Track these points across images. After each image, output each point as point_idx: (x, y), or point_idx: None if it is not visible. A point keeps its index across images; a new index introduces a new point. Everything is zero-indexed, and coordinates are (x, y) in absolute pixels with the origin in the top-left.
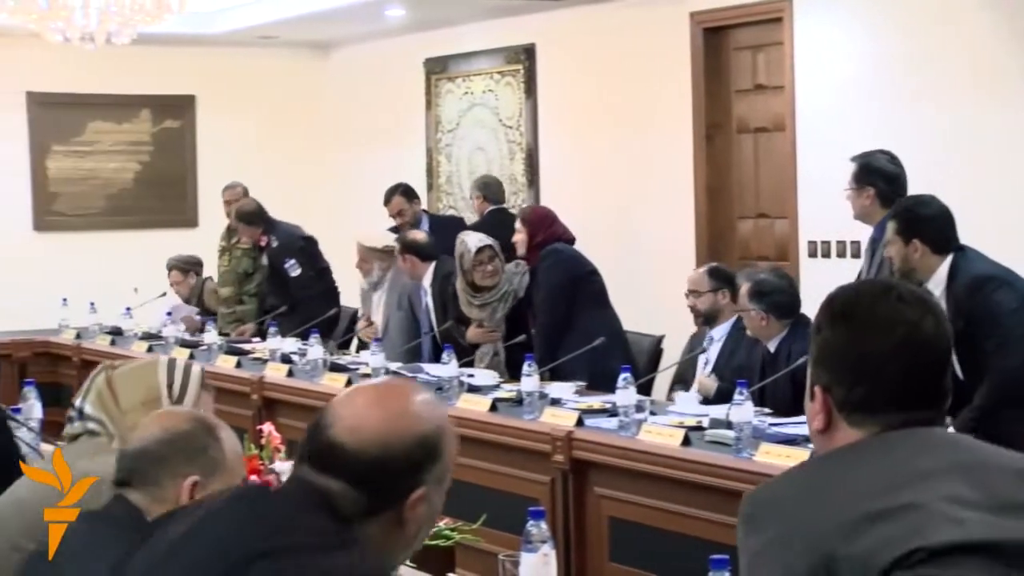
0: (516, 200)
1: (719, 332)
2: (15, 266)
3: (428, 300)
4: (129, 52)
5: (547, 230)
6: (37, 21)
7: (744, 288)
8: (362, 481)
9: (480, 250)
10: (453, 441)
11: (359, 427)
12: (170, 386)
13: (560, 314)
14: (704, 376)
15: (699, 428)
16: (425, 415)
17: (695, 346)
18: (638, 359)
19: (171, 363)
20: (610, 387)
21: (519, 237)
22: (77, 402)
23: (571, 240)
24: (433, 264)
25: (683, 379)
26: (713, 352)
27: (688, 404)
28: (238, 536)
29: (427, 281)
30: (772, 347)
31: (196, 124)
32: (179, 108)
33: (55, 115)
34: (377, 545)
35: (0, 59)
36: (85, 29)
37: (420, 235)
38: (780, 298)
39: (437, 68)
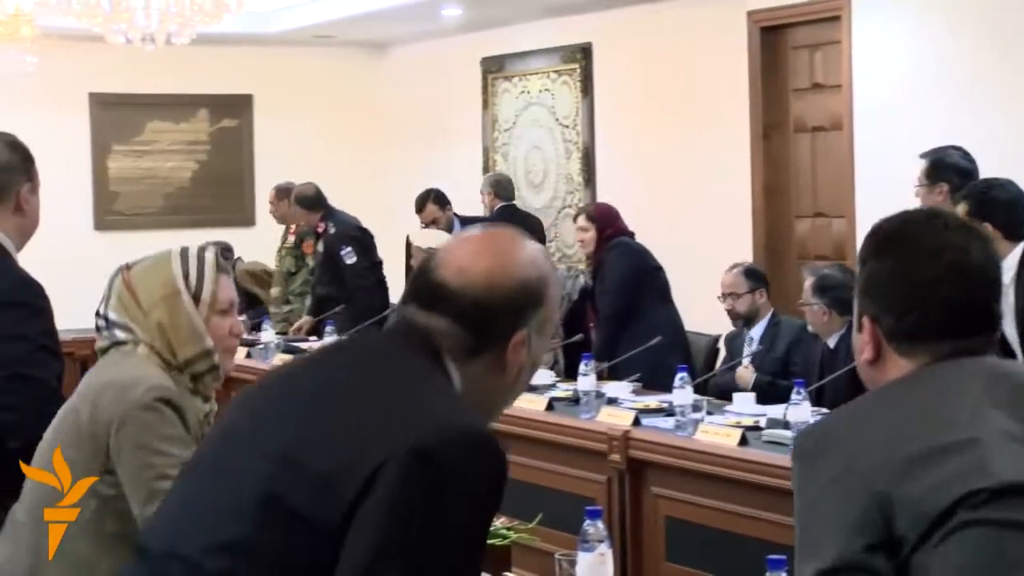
0: (572, 200)
1: (757, 332)
2: (76, 265)
3: None
4: (187, 52)
5: (614, 224)
6: (102, 24)
7: (808, 282)
8: (466, 318)
9: None
10: (557, 291)
11: (466, 268)
12: (186, 276)
13: (624, 304)
14: (743, 368)
15: (756, 428)
16: (530, 262)
17: (733, 347)
18: (695, 358)
19: (184, 252)
20: (669, 383)
21: (587, 235)
22: (101, 309)
23: (631, 236)
24: None
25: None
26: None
27: (745, 404)
28: (344, 372)
29: None
30: (832, 343)
31: (253, 123)
32: (236, 107)
33: (115, 115)
34: (478, 386)
35: (64, 61)
36: (146, 30)
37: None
38: (843, 293)
39: (494, 67)
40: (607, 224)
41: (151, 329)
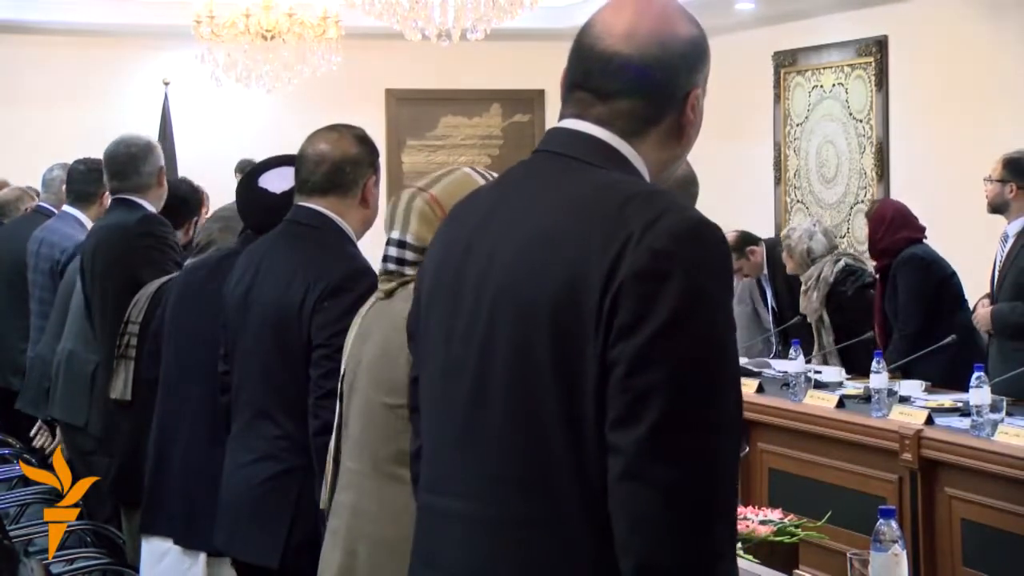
0: (864, 195)
1: (1013, 228)
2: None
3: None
4: (481, 48)
5: (893, 235)
6: (400, 21)
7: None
8: (645, 84)
9: None
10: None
11: (633, 32)
12: None
13: (925, 323)
14: (981, 308)
15: None
16: (685, 14)
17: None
18: None
19: (473, 169)
20: (963, 385)
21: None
22: (395, 235)
23: (921, 231)
24: None
25: None
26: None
27: None
28: (552, 215)
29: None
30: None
31: (545, 118)
32: (529, 102)
33: (410, 111)
34: (657, 159)
35: (363, 59)
36: (442, 26)
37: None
38: None
39: (786, 61)
40: (875, 231)
41: None
